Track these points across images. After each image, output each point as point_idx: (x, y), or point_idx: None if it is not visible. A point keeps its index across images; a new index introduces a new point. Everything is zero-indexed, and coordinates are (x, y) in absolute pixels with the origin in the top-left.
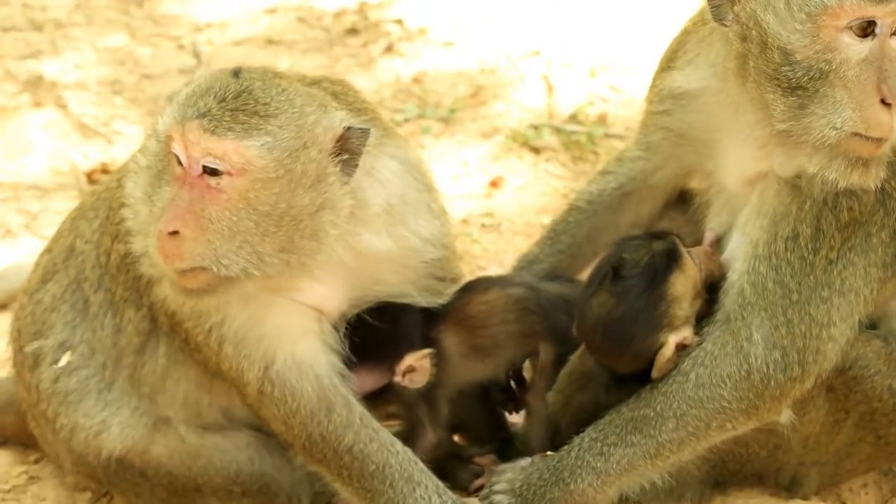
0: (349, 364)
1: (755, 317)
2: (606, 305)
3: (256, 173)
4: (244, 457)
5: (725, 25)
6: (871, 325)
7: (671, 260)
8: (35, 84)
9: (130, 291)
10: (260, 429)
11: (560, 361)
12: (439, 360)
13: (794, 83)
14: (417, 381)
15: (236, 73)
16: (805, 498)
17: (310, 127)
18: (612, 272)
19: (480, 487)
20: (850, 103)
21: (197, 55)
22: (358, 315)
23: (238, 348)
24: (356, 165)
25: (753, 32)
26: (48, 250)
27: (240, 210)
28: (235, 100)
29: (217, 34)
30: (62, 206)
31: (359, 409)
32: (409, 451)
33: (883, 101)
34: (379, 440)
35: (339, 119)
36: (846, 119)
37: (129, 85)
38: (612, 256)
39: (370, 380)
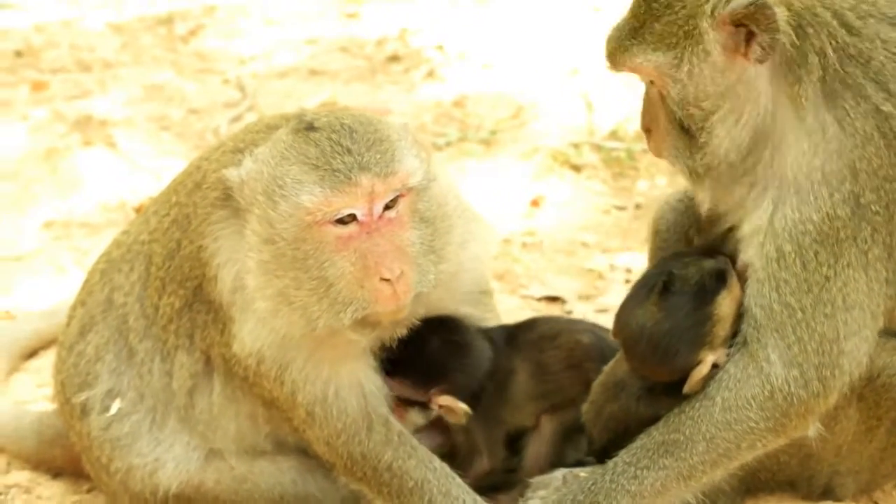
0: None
1: (768, 338)
2: (653, 318)
3: (416, 184)
4: (287, 479)
5: None
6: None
7: (720, 280)
8: (84, 123)
9: (183, 339)
10: (305, 451)
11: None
12: (503, 399)
13: None
14: (451, 419)
15: (310, 126)
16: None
17: (403, 133)
18: (663, 286)
19: None
20: None
21: (242, 88)
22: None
23: (300, 374)
24: None
25: None
26: (81, 303)
27: (420, 219)
28: (354, 142)
29: (261, 67)
30: None
31: (397, 427)
32: (446, 467)
33: None
34: (417, 457)
35: (403, 125)
36: None
37: (176, 121)
38: (661, 270)
39: (402, 390)
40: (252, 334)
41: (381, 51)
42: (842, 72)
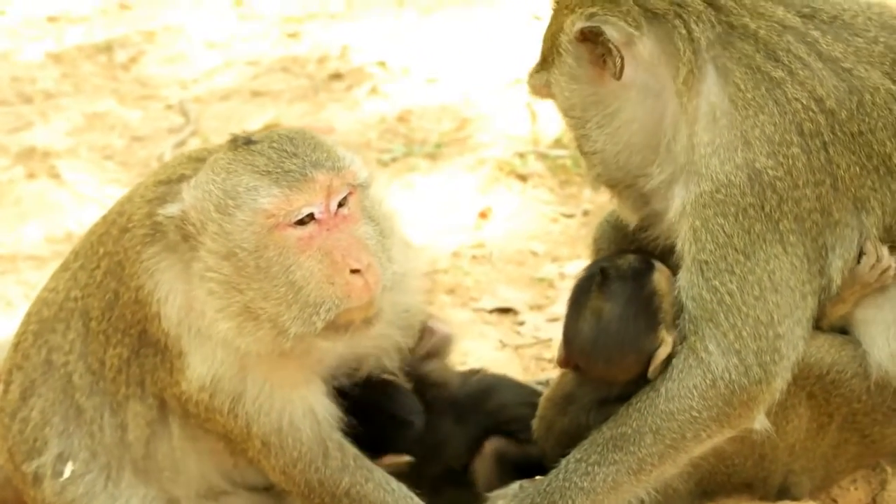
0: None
1: (704, 328)
2: (603, 310)
3: (363, 180)
4: None
5: None
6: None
7: (648, 263)
8: (27, 156)
9: (134, 387)
10: (256, 487)
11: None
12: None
13: None
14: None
15: (248, 141)
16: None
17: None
18: (601, 276)
19: None
20: None
21: (185, 113)
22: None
23: (254, 406)
24: None
25: None
26: (17, 367)
27: (367, 218)
28: (297, 146)
29: (203, 91)
30: None
31: (352, 450)
32: (403, 487)
33: None
34: (374, 480)
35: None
36: None
37: (119, 149)
38: (590, 272)
39: None
40: (205, 363)
41: (324, 69)
42: (730, 49)
